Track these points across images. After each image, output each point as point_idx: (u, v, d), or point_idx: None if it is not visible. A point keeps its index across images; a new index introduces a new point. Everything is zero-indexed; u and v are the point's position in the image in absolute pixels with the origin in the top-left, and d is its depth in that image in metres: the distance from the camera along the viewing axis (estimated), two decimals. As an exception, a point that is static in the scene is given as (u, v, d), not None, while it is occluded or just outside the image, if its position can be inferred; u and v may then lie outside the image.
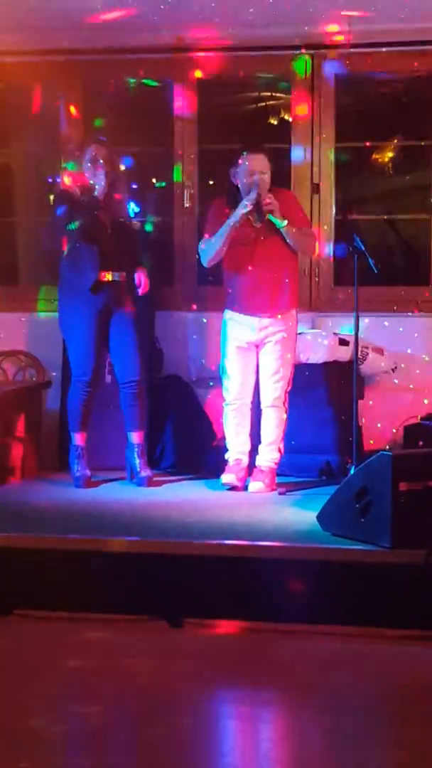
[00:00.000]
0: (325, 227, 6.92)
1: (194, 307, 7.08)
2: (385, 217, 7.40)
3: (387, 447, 6.64)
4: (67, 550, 5.04)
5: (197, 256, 6.89)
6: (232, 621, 4.72)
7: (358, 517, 4.89)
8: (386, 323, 6.88)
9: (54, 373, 7.06)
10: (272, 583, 4.82)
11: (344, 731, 3.78)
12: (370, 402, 6.75)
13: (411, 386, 6.84)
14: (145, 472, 6.26)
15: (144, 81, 7.10)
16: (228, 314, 6.21)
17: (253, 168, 6.02)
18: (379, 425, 6.79)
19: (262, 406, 6.20)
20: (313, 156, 6.95)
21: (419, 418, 6.65)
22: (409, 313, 6.91)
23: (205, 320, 7.04)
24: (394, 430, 6.68)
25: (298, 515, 5.51)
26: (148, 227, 7.02)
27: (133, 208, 6.54)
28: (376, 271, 5.98)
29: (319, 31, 6.72)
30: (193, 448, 6.76)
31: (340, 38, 6.72)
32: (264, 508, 5.73)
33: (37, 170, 7.51)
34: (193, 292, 7.10)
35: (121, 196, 6.21)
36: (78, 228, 6.04)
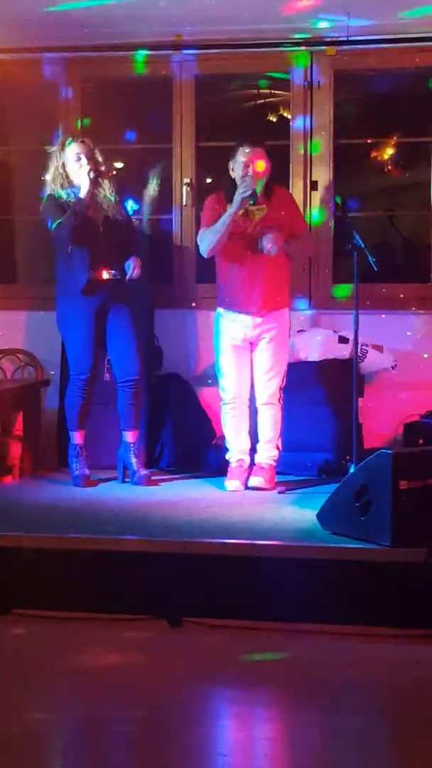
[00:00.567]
0: (324, 224, 6.90)
1: (193, 304, 7.07)
2: (390, 213, 7.39)
3: (387, 445, 6.63)
4: (65, 550, 5.04)
5: (195, 252, 6.91)
6: (231, 620, 4.71)
7: (357, 516, 4.88)
8: (386, 321, 6.86)
9: (53, 372, 7.05)
10: (272, 581, 4.81)
11: (344, 730, 3.78)
12: (370, 401, 6.74)
13: (411, 384, 6.82)
14: (143, 471, 6.25)
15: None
16: (221, 312, 6.20)
17: (247, 159, 6.01)
18: (378, 423, 6.78)
19: (258, 404, 6.18)
20: (312, 153, 6.92)
21: (419, 416, 6.64)
22: (409, 311, 6.89)
23: (204, 318, 7.02)
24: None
25: (297, 514, 5.50)
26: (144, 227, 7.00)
27: (131, 205, 6.52)
28: (375, 269, 5.97)
29: (317, 28, 6.69)
30: (192, 447, 6.75)
31: (338, 35, 6.69)
32: (263, 507, 5.72)
33: (35, 168, 7.49)
34: (191, 289, 7.09)
35: (106, 193, 6.14)
36: (68, 229, 6.01)
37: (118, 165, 6.61)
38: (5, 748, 3.60)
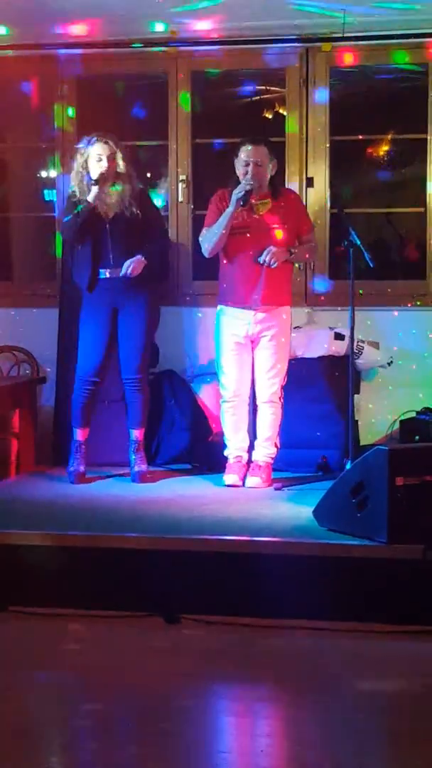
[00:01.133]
0: (320, 221, 6.90)
1: (189, 301, 7.06)
2: (386, 210, 7.39)
3: (383, 442, 6.64)
4: (62, 546, 5.03)
5: (192, 249, 6.92)
6: (228, 617, 4.71)
7: (354, 512, 4.88)
8: (382, 317, 6.86)
9: (49, 369, 7.05)
10: (268, 578, 4.81)
11: (342, 727, 3.78)
12: (366, 397, 6.74)
13: (407, 380, 6.83)
14: (139, 468, 6.25)
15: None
16: (222, 309, 6.19)
17: (247, 159, 6.01)
18: (374, 420, 6.78)
19: (258, 401, 6.19)
20: (308, 149, 6.92)
21: (415, 412, 6.65)
22: (405, 307, 6.89)
23: (200, 315, 7.03)
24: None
25: (294, 510, 5.50)
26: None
27: (154, 202, 6.52)
28: (371, 266, 5.97)
29: (313, 24, 6.69)
30: (188, 444, 6.75)
31: (334, 31, 6.68)
32: (260, 504, 5.72)
33: (31, 165, 7.49)
34: (188, 286, 7.09)
35: (123, 192, 6.14)
36: (70, 230, 6.02)
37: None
38: (4, 744, 3.60)
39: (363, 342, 6.60)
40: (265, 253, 5.99)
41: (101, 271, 6.13)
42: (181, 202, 7.06)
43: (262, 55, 6.96)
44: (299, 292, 6.84)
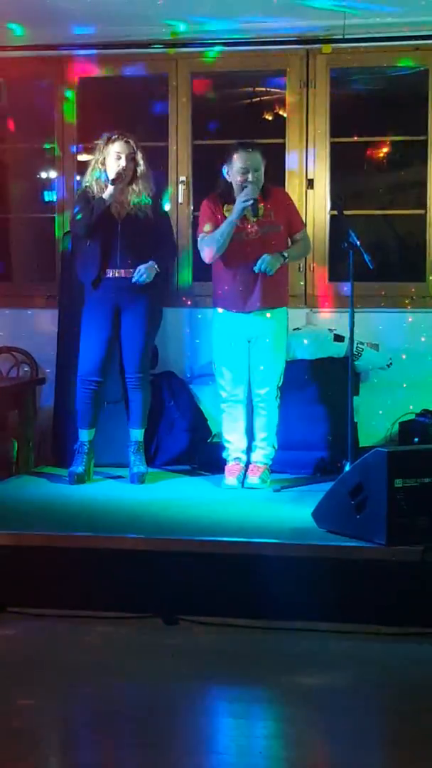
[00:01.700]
0: (320, 223, 6.90)
1: (189, 303, 7.06)
2: (385, 213, 7.39)
3: (382, 444, 6.64)
4: (60, 547, 5.03)
5: (191, 250, 6.92)
6: (227, 618, 4.71)
7: (353, 514, 4.88)
8: (381, 319, 6.87)
9: (48, 370, 7.04)
10: (267, 580, 4.81)
11: (339, 729, 3.78)
12: (365, 399, 6.74)
13: (406, 382, 6.83)
14: (138, 469, 6.25)
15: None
16: (219, 311, 6.19)
17: (245, 165, 5.99)
18: (374, 422, 6.78)
19: (255, 403, 6.19)
20: (308, 151, 6.93)
21: (414, 414, 6.65)
22: (405, 309, 6.90)
23: (199, 316, 7.03)
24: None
25: (293, 512, 5.50)
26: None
27: (161, 205, 6.52)
28: (371, 267, 5.97)
29: (314, 26, 6.69)
30: (188, 445, 6.75)
31: (334, 33, 6.69)
32: (259, 506, 5.73)
33: (31, 166, 7.49)
34: (187, 288, 7.09)
35: (139, 193, 6.14)
36: (85, 226, 6.03)
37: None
38: (4, 744, 3.60)
39: (362, 344, 6.60)
40: (260, 262, 5.99)
41: (110, 270, 6.12)
42: (181, 203, 7.06)
43: (263, 57, 6.96)
44: (299, 293, 6.84)
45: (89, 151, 6.38)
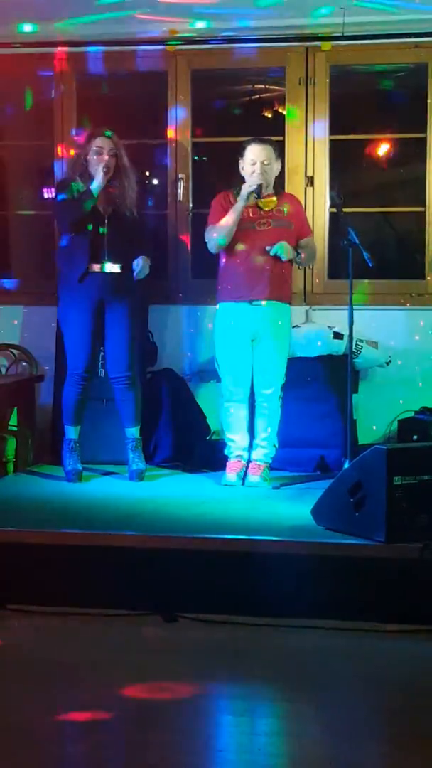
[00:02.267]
0: (319, 220, 6.90)
1: (188, 300, 7.06)
2: (385, 210, 7.39)
3: (381, 441, 6.64)
4: (60, 545, 5.03)
5: (191, 248, 6.92)
6: (226, 615, 4.71)
7: (352, 512, 4.88)
8: (380, 316, 6.87)
9: (47, 367, 7.04)
10: (266, 577, 4.81)
11: (339, 726, 3.78)
12: (364, 397, 6.75)
13: (405, 380, 6.83)
14: (137, 466, 6.25)
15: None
16: (223, 307, 6.19)
17: (255, 158, 6.06)
18: (373, 419, 6.79)
19: (257, 400, 6.19)
20: (307, 149, 6.93)
21: (414, 412, 6.65)
22: (404, 307, 6.90)
23: (198, 314, 7.03)
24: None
25: (292, 509, 5.50)
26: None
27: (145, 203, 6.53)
28: (370, 265, 5.97)
29: (313, 23, 6.69)
30: (187, 442, 6.75)
31: (334, 30, 6.69)
32: (258, 503, 5.73)
33: (30, 163, 7.49)
34: (186, 285, 7.09)
35: (123, 189, 6.15)
36: (71, 214, 6.03)
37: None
38: (4, 742, 3.60)
39: (362, 341, 6.60)
40: (277, 246, 6.02)
41: (95, 265, 6.11)
42: (180, 201, 7.06)
43: (262, 54, 6.95)
44: (298, 291, 6.84)
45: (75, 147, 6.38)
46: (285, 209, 6.15)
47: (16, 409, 6.76)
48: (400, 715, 3.87)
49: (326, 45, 6.82)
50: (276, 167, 6.17)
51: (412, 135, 7.04)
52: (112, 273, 6.11)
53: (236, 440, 6.22)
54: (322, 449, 6.42)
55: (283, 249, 6.03)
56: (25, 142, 7.39)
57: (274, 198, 6.15)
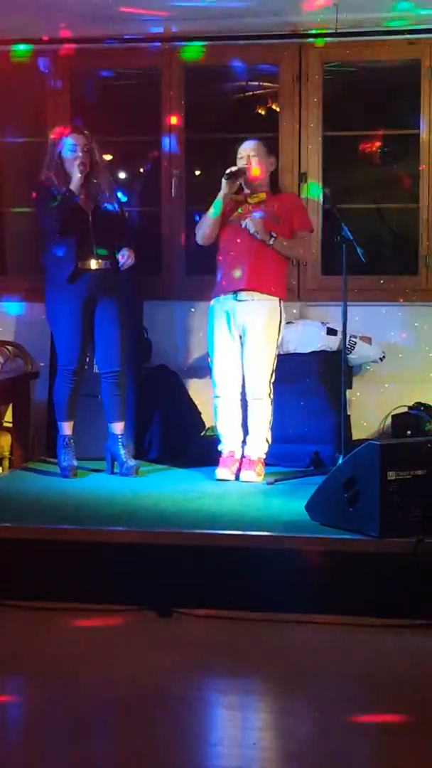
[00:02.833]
0: (313, 216, 6.91)
1: (182, 296, 7.07)
2: (378, 206, 7.40)
3: (375, 436, 6.66)
4: (54, 541, 5.04)
5: (185, 244, 6.94)
6: (220, 610, 4.72)
7: (346, 507, 4.89)
8: (374, 312, 6.88)
9: (42, 364, 7.05)
10: (260, 572, 4.82)
11: (332, 720, 3.79)
12: (358, 392, 6.76)
13: (399, 375, 6.85)
14: (131, 462, 6.26)
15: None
16: (213, 302, 6.22)
17: (242, 152, 6.21)
18: (367, 415, 6.80)
19: (248, 396, 6.20)
20: (301, 145, 6.94)
21: (407, 407, 6.67)
22: (397, 303, 6.91)
23: (193, 310, 7.04)
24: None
25: (286, 505, 5.52)
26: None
27: (119, 196, 6.53)
28: (364, 261, 5.98)
29: (306, 20, 6.70)
30: (181, 438, 6.76)
31: (327, 27, 6.70)
32: (252, 498, 5.74)
33: (24, 160, 7.49)
34: (181, 281, 7.10)
35: (101, 183, 6.16)
36: (53, 219, 6.03)
37: (107, 157, 6.59)
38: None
39: (355, 337, 6.62)
40: (249, 219, 6.06)
41: (84, 262, 6.12)
42: (174, 197, 7.07)
43: (256, 51, 6.96)
44: (292, 287, 6.85)
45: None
46: (275, 205, 6.17)
47: (11, 405, 6.76)
48: (394, 709, 3.89)
49: (319, 42, 6.82)
50: (267, 163, 6.22)
51: (405, 131, 7.05)
52: (100, 269, 6.12)
53: (229, 435, 6.23)
54: (316, 445, 6.44)
55: (252, 222, 6.05)
56: (19, 139, 7.38)
57: (263, 195, 6.17)
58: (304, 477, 6.09)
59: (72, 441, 6.28)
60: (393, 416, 6.67)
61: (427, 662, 4.35)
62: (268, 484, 6.06)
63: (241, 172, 6.13)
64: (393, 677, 4.17)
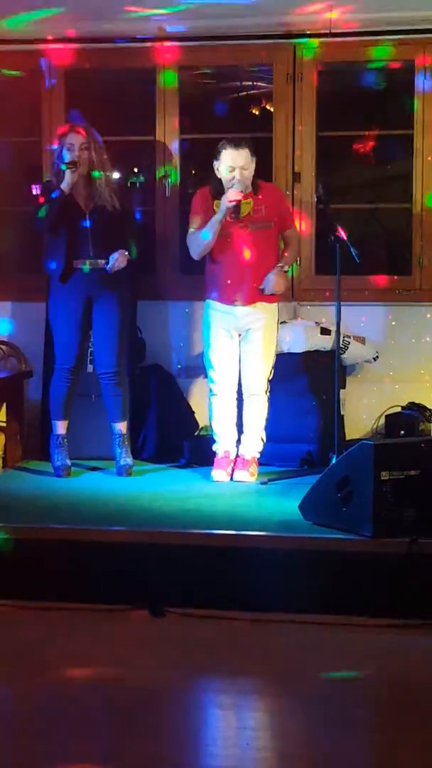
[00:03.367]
0: (306, 216, 6.91)
1: (176, 296, 7.07)
2: (372, 206, 7.41)
3: (368, 436, 6.66)
4: (48, 540, 5.04)
5: (179, 244, 6.92)
6: (213, 610, 4.72)
7: (339, 507, 4.90)
8: (368, 312, 6.89)
9: (36, 363, 7.04)
10: (254, 572, 4.83)
11: (326, 719, 3.80)
12: (352, 392, 6.77)
13: (393, 375, 6.86)
14: (125, 462, 6.26)
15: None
16: (210, 303, 6.21)
17: (233, 164, 6.01)
18: (360, 415, 6.81)
19: (245, 395, 6.21)
20: (295, 145, 6.94)
21: (401, 407, 6.68)
22: (391, 302, 6.92)
23: (187, 310, 7.03)
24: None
25: (280, 505, 5.52)
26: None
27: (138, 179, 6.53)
28: (357, 261, 5.99)
29: (300, 20, 6.71)
30: (175, 438, 6.76)
31: (321, 27, 6.70)
32: (246, 498, 5.75)
33: (18, 159, 7.48)
34: (174, 281, 7.09)
35: (100, 183, 6.15)
36: (51, 219, 6.03)
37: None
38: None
39: (349, 337, 6.62)
40: (265, 282, 6.06)
41: (82, 262, 6.12)
42: (168, 197, 7.07)
43: (250, 52, 6.96)
44: (285, 287, 6.84)
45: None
46: (263, 208, 6.13)
47: (5, 404, 6.76)
48: (387, 709, 3.90)
49: (313, 42, 6.82)
50: (252, 167, 6.10)
51: (399, 131, 7.05)
52: (97, 269, 6.12)
53: (223, 435, 6.23)
54: (309, 444, 6.44)
55: (271, 284, 6.06)
56: (13, 138, 7.37)
57: (250, 200, 6.08)
58: (297, 477, 6.10)
59: (65, 440, 6.28)
60: (386, 416, 6.67)
61: (421, 661, 4.36)
62: (261, 483, 6.06)
63: (239, 206, 6.00)
64: (386, 677, 4.17)
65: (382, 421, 6.71)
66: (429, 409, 6.62)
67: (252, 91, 7.39)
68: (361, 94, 7.25)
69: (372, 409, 6.79)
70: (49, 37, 6.96)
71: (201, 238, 6.06)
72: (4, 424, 6.74)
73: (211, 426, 6.32)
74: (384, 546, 4.75)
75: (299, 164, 6.94)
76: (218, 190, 6.07)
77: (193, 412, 6.88)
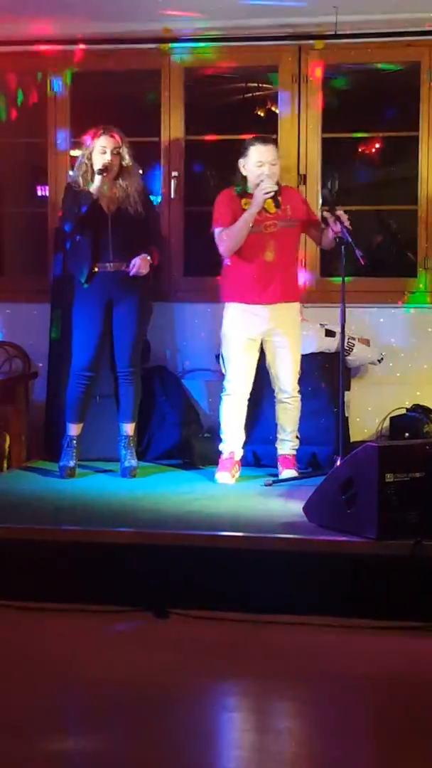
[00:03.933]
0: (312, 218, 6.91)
1: (180, 297, 7.07)
2: (377, 208, 7.41)
3: (373, 438, 6.66)
4: (53, 541, 5.04)
5: (183, 245, 6.93)
6: (217, 612, 4.72)
7: (344, 509, 4.90)
8: (373, 314, 6.89)
9: (40, 364, 7.05)
10: (258, 574, 4.83)
11: (332, 721, 3.80)
12: (356, 394, 6.76)
13: (397, 377, 6.86)
14: (130, 463, 6.26)
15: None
16: (233, 306, 6.17)
17: (262, 159, 6.03)
18: (365, 417, 6.80)
19: (281, 397, 6.20)
20: (300, 147, 6.94)
21: (405, 409, 6.67)
22: (396, 305, 6.92)
23: (192, 311, 7.03)
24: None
25: (284, 507, 5.52)
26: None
27: (151, 200, 6.53)
28: (362, 263, 5.98)
29: (305, 22, 6.71)
30: (179, 439, 6.76)
31: (326, 29, 6.70)
32: (250, 500, 5.74)
33: (22, 160, 7.49)
34: (179, 282, 7.10)
35: (126, 187, 6.15)
36: (73, 221, 6.05)
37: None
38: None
39: (354, 339, 6.62)
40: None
41: (102, 265, 6.13)
42: (173, 198, 7.07)
43: (256, 53, 6.96)
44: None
45: (79, 146, 6.38)
46: (288, 208, 6.14)
47: (9, 405, 6.76)
48: (390, 711, 3.89)
49: (319, 43, 6.82)
50: (278, 166, 6.12)
51: (405, 133, 7.05)
52: (118, 271, 6.12)
53: (232, 436, 6.23)
54: (314, 446, 6.44)
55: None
56: (18, 140, 7.38)
57: (280, 198, 6.11)
58: (302, 479, 6.10)
59: (75, 442, 6.28)
60: (391, 418, 6.67)
61: (425, 664, 4.35)
62: (266, 485, 6.06)
63: (277, 193, 6.01)
64: (391, 679, 4.17)
65: (387, 423, 6.71)
66: (434, 411, 6.62)
67: (258, 93, 7.39)
68: (367, 96, 7.25)
69: (376, 411, 6.79)
70: (54, 38, 6.96)
71: (234, 232, 6.04)
72: (8, 425, 6.74)
73: (219, 425, 6.31)
74: (388, 548, 4.75)
75: (304, 166, 6.94)
76: (243, 189, 6.09)
77: (198, 414, 6.87)
